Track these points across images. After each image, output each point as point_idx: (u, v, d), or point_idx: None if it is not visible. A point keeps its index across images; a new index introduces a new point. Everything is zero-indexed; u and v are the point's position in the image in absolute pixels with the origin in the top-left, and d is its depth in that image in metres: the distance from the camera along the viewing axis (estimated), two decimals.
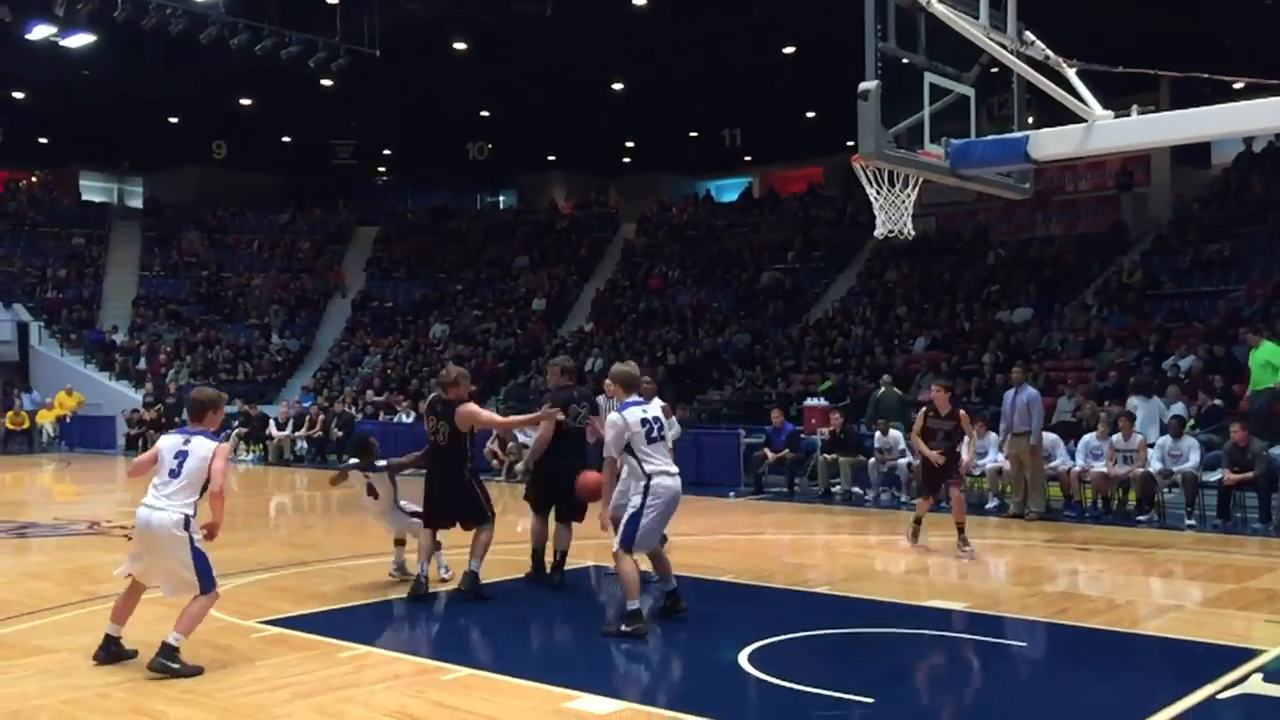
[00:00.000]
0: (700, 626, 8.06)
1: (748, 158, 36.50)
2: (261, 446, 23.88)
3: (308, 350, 32.40)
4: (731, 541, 11.83)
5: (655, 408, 7.82)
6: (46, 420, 27.77)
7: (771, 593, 8.81)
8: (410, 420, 22.98)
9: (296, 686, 6.09)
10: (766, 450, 16.49)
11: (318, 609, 8.18)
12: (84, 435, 27.54)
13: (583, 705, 5.67)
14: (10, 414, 27.45)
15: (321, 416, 23.61)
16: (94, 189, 39.36)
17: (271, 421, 24.00)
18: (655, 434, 7.45)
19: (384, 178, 41.18)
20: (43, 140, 34.60)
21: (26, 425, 27.41)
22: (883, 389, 17.22)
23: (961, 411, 11.22)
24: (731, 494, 16.13)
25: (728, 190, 37.65)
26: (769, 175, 37.13)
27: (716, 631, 7.83)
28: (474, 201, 41.82)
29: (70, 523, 13.31)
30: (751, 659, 6.55)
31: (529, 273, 33.69)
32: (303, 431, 23.48)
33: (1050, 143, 7.33)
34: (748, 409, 20.86)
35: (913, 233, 7.72)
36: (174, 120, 32.92)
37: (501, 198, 43.04)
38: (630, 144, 36.19)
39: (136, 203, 39.55)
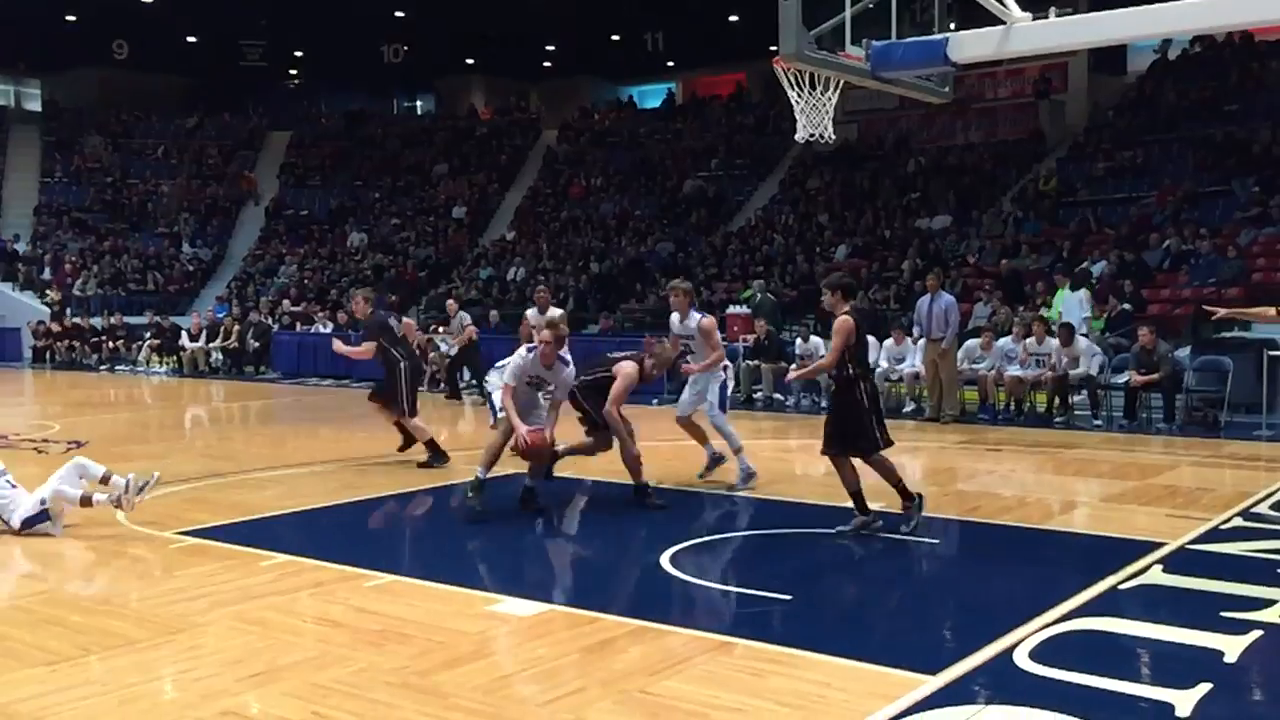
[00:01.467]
0: (623, 530, 8.17)
1: (670, 63, 36.07)
2: (175, 359, 23.39)
3: (220, 259, 31.64)
4: (655, 448, 11.91)
5: None
6: None
7: (693, 497, 8.93)
8: (329, 331, 22.68)
9: (216, 595, 6.05)
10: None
11: (237, 519, 8.10)
12: None
13: (506, 608, 5.72)
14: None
15: (236, 327, 23.16)
16: None
17: (184, 333, 23.48)
18: None
19: (296, 81, 39.92)
20: None
21: None
22: (758, 294, 17.57)
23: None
24: (655, 401, 16.23)
25: (650, 96, 37.22)
26: (692, 81, 36.76)
27: (639, 535, 7.94)
28: (390, 106, 40.82)
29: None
30: (673, 560, 6.65)
31: (449, 180, 33.12)
32: (217, 343, 23.03)
33: (970, 44, 7.34)
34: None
35: (833, 137, 7.73)
36: (71, 18, 31.42)
37: (419, 102, 42.08)
38: (550, 47, 35.49)
39: (35, 106, 37.89)
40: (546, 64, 37.13)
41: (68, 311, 26.79)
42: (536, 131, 34.98)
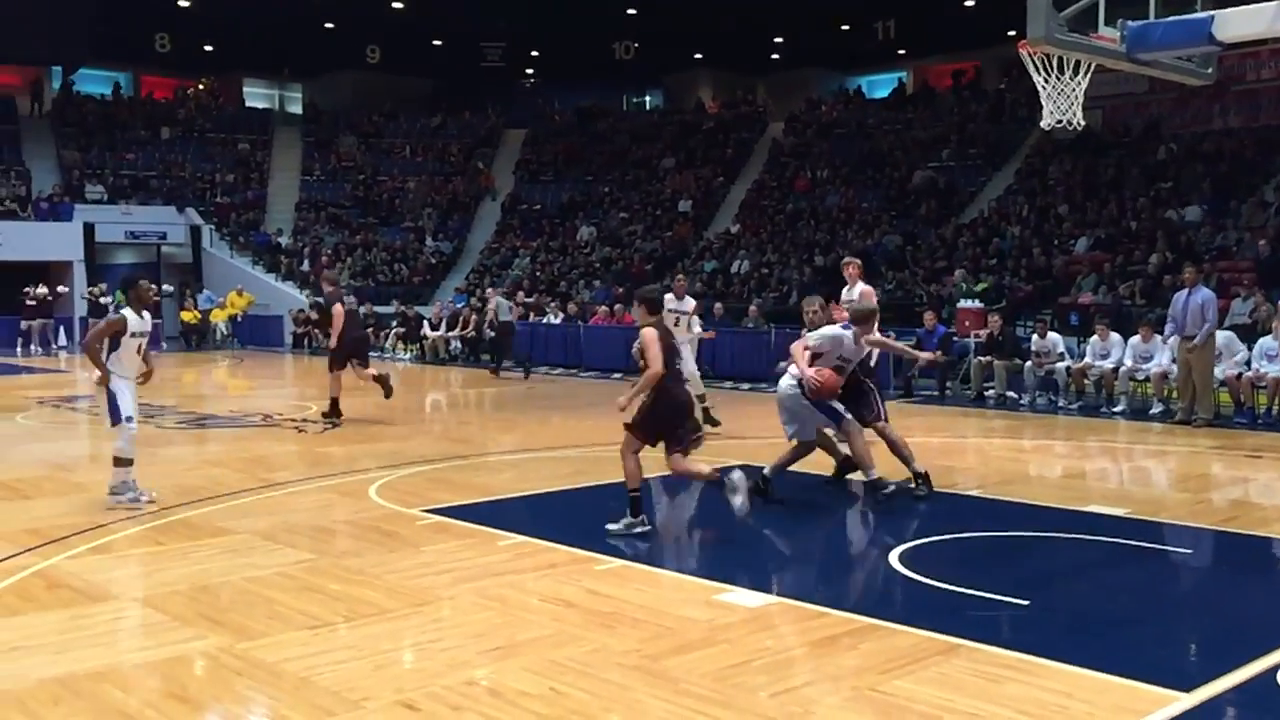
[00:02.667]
0: (852, 527, 8.07)
1: (901, 51, 35.18)
2: (417, 346, 24.63)
3: (459, 252, 33.07)
4: (879, 444, 11.70)
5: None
6: (220, 319, 29.19)
7: (925, 496, 8.69)
8: (559, 321, 23.36)
9: (459, 571, 6.35)
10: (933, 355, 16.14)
11: (476, 499, 8.47)
12: (254, 333, 28.92)
13: (733, 598, 5.75)
14: (184, 312, 29.02)
15: (474, 317, 24.17)
16: (257, 95, 40.68)
17: (425, 322, 24.69)
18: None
19: (531, 80, 41.27)
20: (208, 48, 35.76)
21: (197, 321, 28.89)
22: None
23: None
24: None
25: (879, 86, 36.44)
26: (923, 69, 35.75)
27: (868, 532, 7.82)
28: (620, 102, 41.57)
29: (245, 415, 14.04)
30: (902, 559, 6.52)
31: (675, 174, 33.45)
32: (456, 332, 24.10)
33: (1237, 22, 6.83)
34: (898, 311, 20.43)
35: (1082, 123, 7.34)
36: (329, 25, 33.56)
37: (648, 98, 42.67)
38: (779, 40, 35.27)
39: (296, 109, 40.74)
40: (774, 56, 36.93)
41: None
42: (763, 124, 34.87)
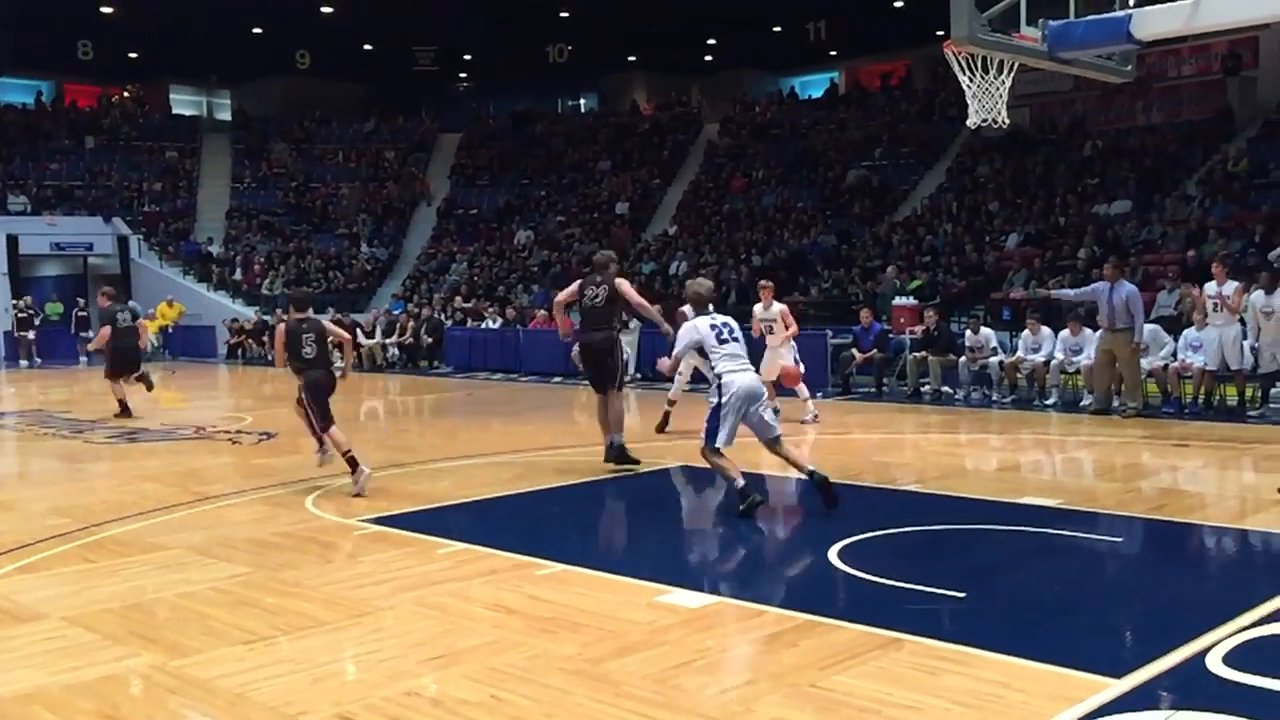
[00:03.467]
0: (789, 524, 8.12)
1: (833, 53, 35.58)
2: (355, 354, 24.33)
3: (396, 258, 32.83)
4: (819, 441, 11.83)
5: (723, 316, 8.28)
6: (150, 330, 28.62)
7: (860, 491, 8.79)
8: (497, 326, 23.28)
9: (398, 581, 6.29)
10: (854, 350, 16.35)
11: (415, 508, 8.40)
12: (186, 344, 28.42)
13: (674, 599, 5.76)
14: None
15: (412, 323, 23.99)
16: (184, 102, 40.04)
17: (358, 329, 24.44)
18: (725, 336, 7.95)
19: (465, 84, 41.08)
20: (132, 55, 35.12)
21: None
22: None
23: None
24: (818, 395, 16.08)
25: (812, 87, 36.80)
26: (855, 70, 36.18)
27: (806, 529, 7.88)
28: (555, 105, 41.54)
29: (177, 428, 13.79)
30: (841, 555, 6.58)
31: (612, 176, 33.50)
32: (394, 339, 23.90)
33: (1155, 20, 6.99)
34: (835, 310, 20.65)
35: (1007, 121, 7.48)
36: (258, 30, 33.11)
37: (583, 101, 42.68)
38: (712, 41, 35.49)
39: (225, 115, 40.13)
40: (708, 58, 37.13)
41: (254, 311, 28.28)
42: (698, 126, 35.04)
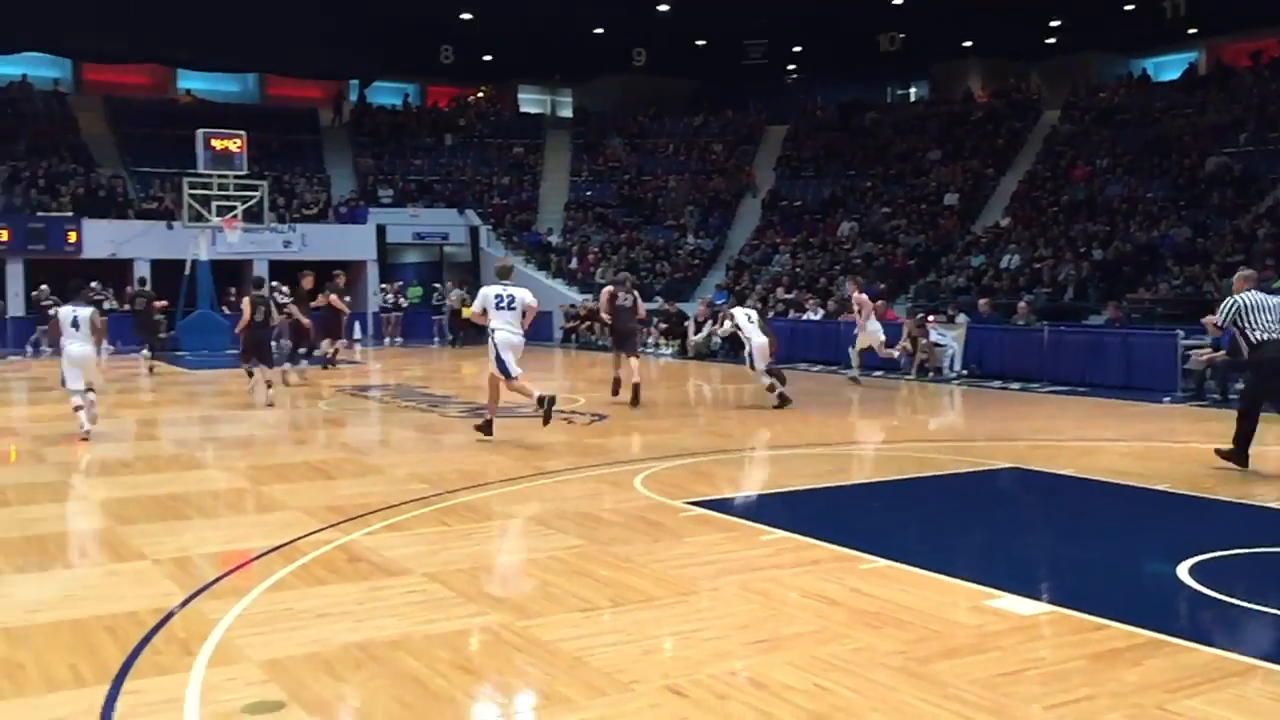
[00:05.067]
0: (1133, 536, 7.60)
1: (1192, 30, 32.71)
2: (678, 341, 25.05)
3: (720, 249, 33.39)
4: (1166, 449, 10.98)
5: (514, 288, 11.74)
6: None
7: (1214, 505, 8.09)
8: (818, 318, 23.20)
9: (722, 563, 6.43)
10: (1209, 352, 15.02)
11: (736, 494, 8.55)
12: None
13: (1004, 604, 5.55)
14: (465, 308, 30.65)
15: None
16: (530, 101, 42.63)
17: (689, 324, 25.04)
18: (504, 305, 11.48)
19: (794, 75, 41.11)
20: (487, 58, 37.69)
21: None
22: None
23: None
24: (1166, 399, 14.93)
25: (1167, 68, 34.05)
26: (1217, 48, 33.10)
27: (1151, 542, 7.35)
28: (884, 95, 40.76)
29: (518, 407, 14.69)
30: (1193, 572, 6.09)
31: (941, 166, 32.46)
32: (718, 328, 24.32)
33: None
34: (1187, 308, 19.05)
35: None
36: (599, 31, 34.65)
37: (913, 89, 41.60)
38: (1055, 23, 33.57)
39: (566, 112, 42.36)
40: (1049, 41, 35.18)
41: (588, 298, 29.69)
42: (1036, 112, 33.28)
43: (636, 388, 14.54)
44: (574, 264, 32.45)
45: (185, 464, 10.46)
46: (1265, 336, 9.08)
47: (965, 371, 18.38)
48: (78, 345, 11.58)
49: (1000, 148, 32.03)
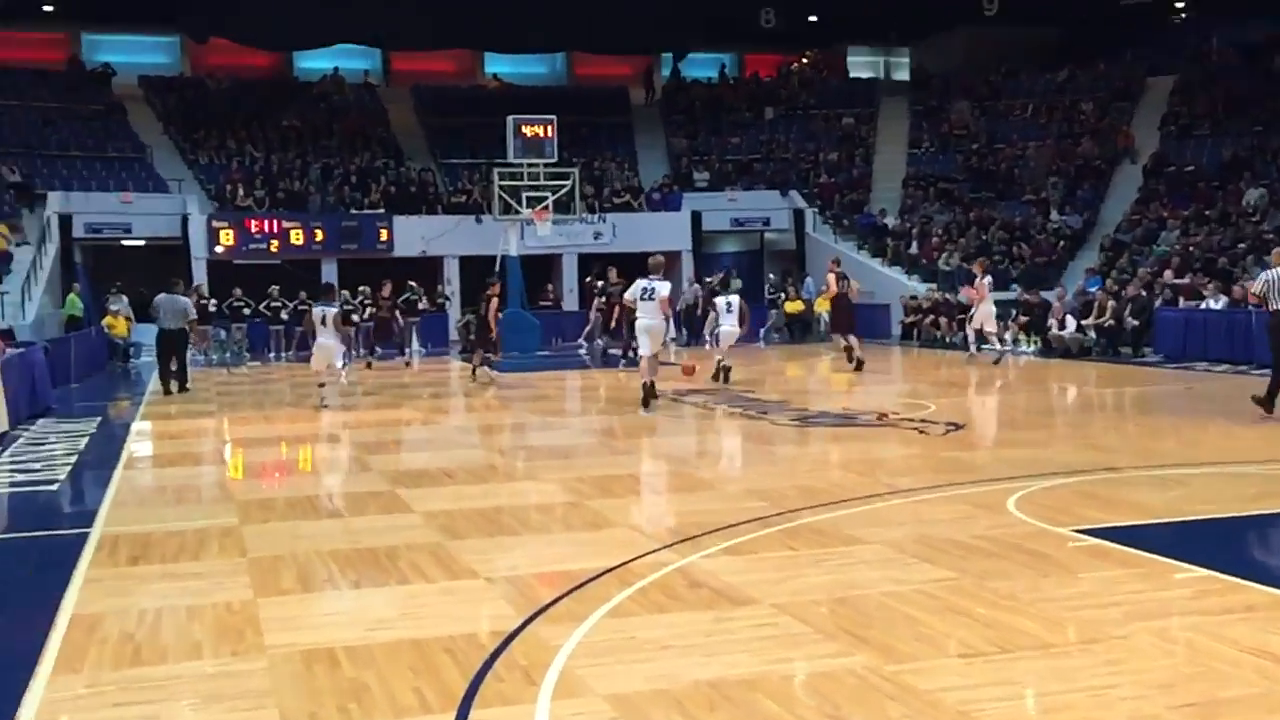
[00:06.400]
0: None
1: None
2: (1040, 338, 23.98)
3: (1091, 226, 31.74)
4: None
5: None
6: (824, 309, 30.56)
7: None
8: (1220, 306, 21.52)
9: (1129, 606, 6.03)
10: None
11: (1139, 521, 8.03)
12: (860, 324, 29.81)
13: None
14: (788, 303, 30.68)
15: (1112, 303, 23.02)
16: (861, 64, 42.25)
17: (1052, 320, 23.93)
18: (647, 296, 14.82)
19: (1182, 15, 38.43)
20: (812, 19, 37.67)
21: (800, 311, 30.37)
22: None
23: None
24: None
25: None
26: None
27: None
28: None
29: (859, 414, 14.55)
30: None
31: None
32: (1090, 320, 23.11)
33: None
34: None
35: None
36: None
37: None
38: None
39: (903, 75, 41.63)
40: None
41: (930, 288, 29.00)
42: None
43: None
44: (914, 248, 31.79)
45: (506, 474, 11.04)
46: None
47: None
48: (325, 338, 16.32)
49: None
